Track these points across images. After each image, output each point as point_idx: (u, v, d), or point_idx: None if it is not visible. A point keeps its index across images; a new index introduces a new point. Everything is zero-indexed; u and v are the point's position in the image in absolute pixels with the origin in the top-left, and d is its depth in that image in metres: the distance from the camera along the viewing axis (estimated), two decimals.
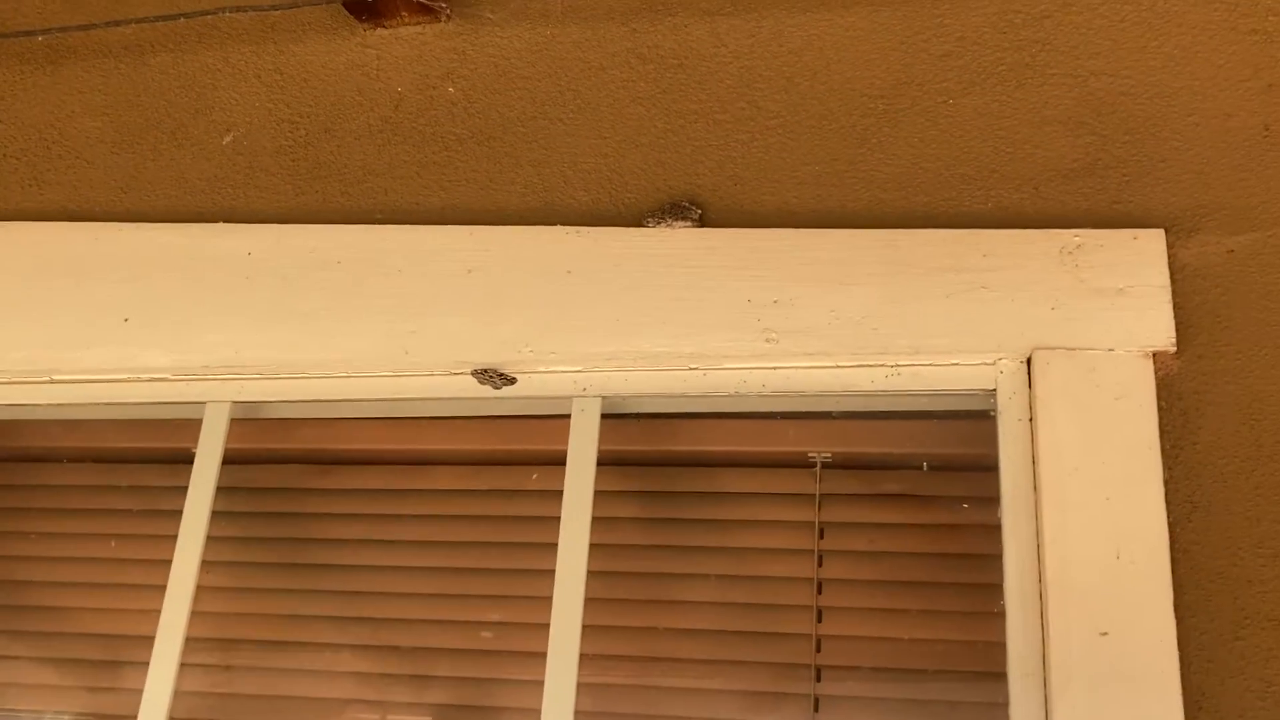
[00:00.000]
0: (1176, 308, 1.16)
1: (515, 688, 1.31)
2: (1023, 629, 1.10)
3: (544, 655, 1.20)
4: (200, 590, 1.33)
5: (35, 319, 1.41)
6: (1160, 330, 1.14)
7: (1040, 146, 1.26)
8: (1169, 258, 1.18)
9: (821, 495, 1.33)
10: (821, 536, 1.31)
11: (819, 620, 1.28)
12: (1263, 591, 1.06)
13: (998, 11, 1.31)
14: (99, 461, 1.50)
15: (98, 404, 1.43)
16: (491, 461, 1.38)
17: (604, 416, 1.30)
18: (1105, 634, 1.05)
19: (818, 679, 1.26)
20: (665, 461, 1.36)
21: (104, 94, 1.54)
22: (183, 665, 1.30)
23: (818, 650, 1.27)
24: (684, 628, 1.30)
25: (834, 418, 1.33)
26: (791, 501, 1.33)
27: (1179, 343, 1.14)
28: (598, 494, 1.27)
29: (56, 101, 1.56)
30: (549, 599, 1.23)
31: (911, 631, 1.25)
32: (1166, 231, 1.19)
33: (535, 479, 1.35)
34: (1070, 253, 1.19)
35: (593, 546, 1.25)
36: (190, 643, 1.31)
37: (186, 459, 1.38)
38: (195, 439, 1.38)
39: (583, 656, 1.21)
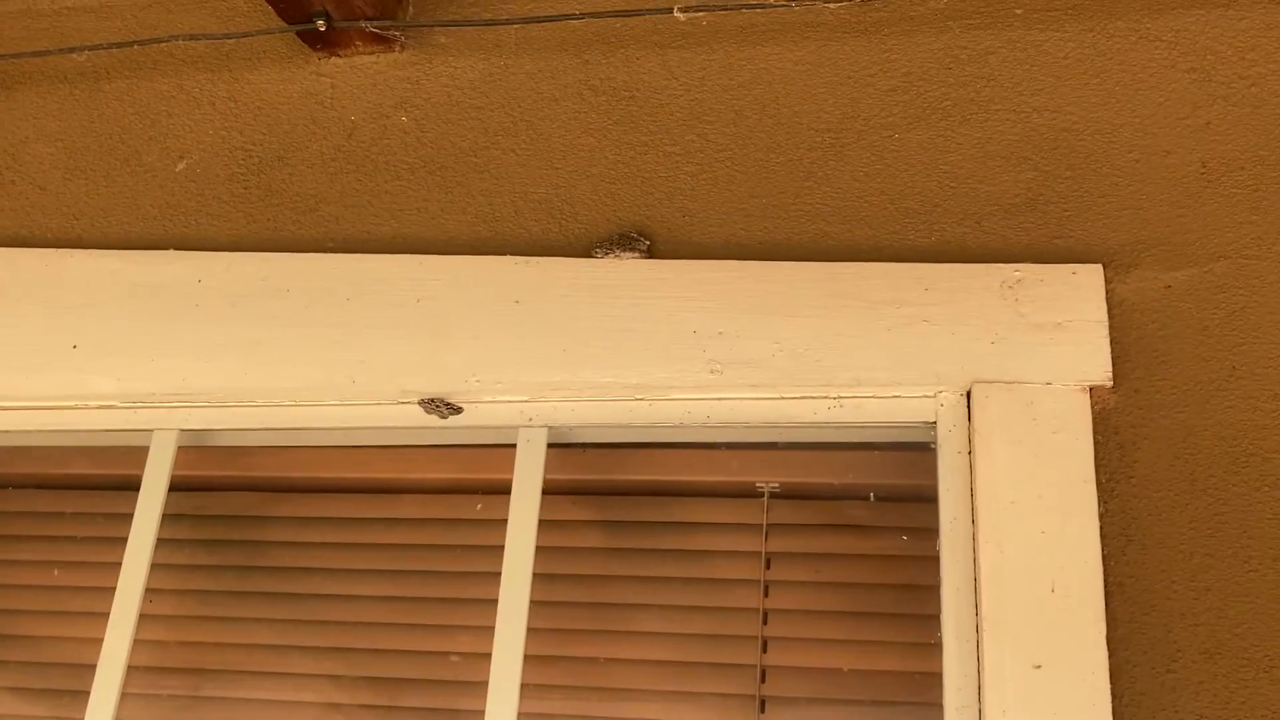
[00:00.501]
0: (1114, 342, 1.17)
1: (459, 717, 1.30)
2: (959, 661, 1.10)
3: (486, 684, 1.20)
4: (144, 618, 1.32)
5: None
6: (1097, 365, 1.15)
7: (983, 181, 1.27)
8: (1107, 293, 1.19)
9: (769, 525, 1.33)
10: (768, 567, 1.31)
11: (764, 650, 1.28)
12: (1195, 625, 1.07)
13: (944, 48, 1.33)
14: (44, 488, 1.49)
15: (45, 430, 1.42)
16: (438, 490, 1.38)
17: (551, 446, 1.30)
18: (1039, 666, 1.06)
19: (762, 710, 1.26)
20: (613, 491, 1.37)
21: (58, 120, 1.55)
22: (125, 694, 1.29)
23: (762, 681, 1.27)
24: (629, 658, 1.30)
25: (780, 448, 1.34)
26: (739, 531, 1.34)
27: (1116, 377, 1.16)
28: (545, 523, 1.27)
29: (10, 127, 1.56)
30: (493, 628, 1.22)
31: (854, 662, 1.25)
32: (1105, 267, 1.20)
33: (480, 508, 1.35)
34: (1011, 287, 1.20)
35: (538, 576, 1.25)
36: (133, 671, 1.30)
37: (134, 486, 1.38)
38: (142, 465, 1.37)
39: (525, 686, 1.20)
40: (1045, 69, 1.30)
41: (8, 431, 1.42)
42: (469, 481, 1.37)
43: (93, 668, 1.29)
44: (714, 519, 1.34)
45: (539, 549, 1.26)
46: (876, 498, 1.32)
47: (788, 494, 1.34)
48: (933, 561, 1.18)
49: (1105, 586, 1.08)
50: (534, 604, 1.24)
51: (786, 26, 1.37)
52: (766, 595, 1.30)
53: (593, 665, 1.29)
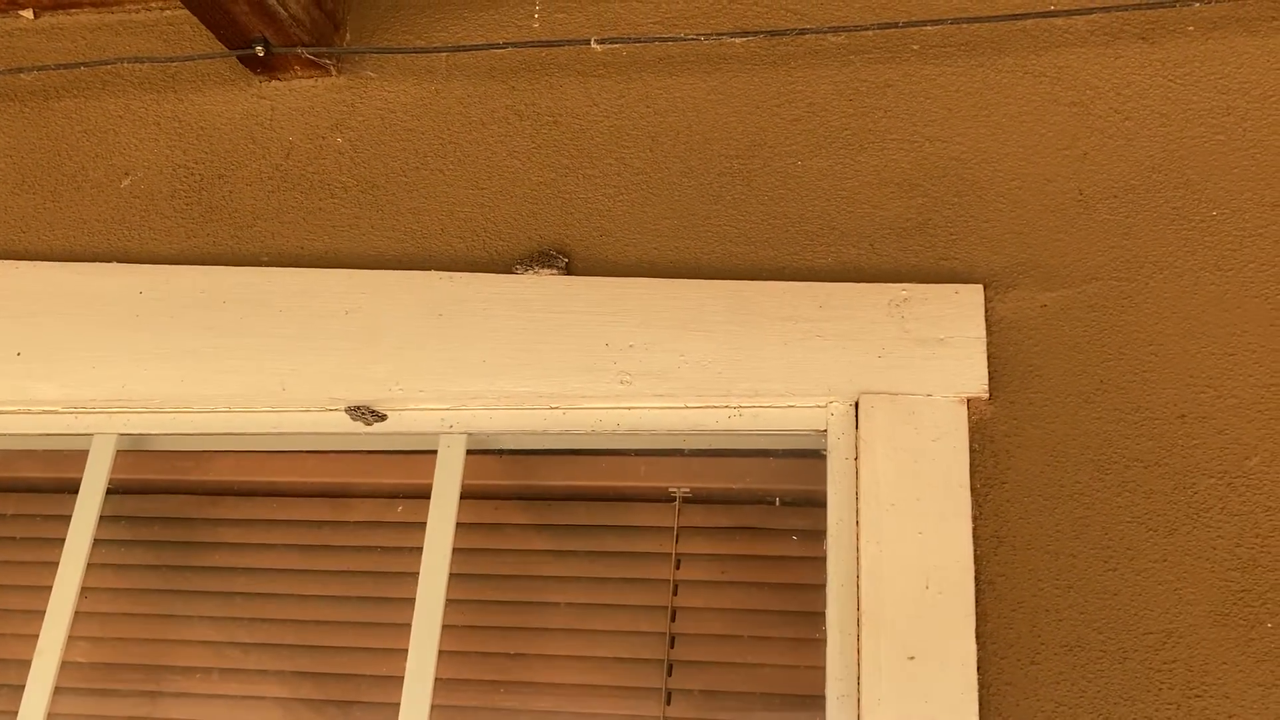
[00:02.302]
0: (991, 357, 1.26)
1: (374, 710, 1.37)
2: (840, 653, 1.18)
3: (401, 679, 1.27)
4: (81, 615, 1.38)
5: None
6: (975, 378, 1.24)
7: (878, 206, 1.36)
8: (987, 311, 1.28)
9: (680, 528, 1.41)
10: (678, 567, 1.39)
11: (671, 646, 1.35)
12: (1058, 620, 1.15)
13: (845, 80, 1.42)
14: None
15: None
16: (364, 494, 1.45)
17: (470, 452, 1.37)
18: (913, 658, 1.14)
19: (668, 701, 1.33)
20: (531, 495, 1.44)
21: (7, 136, 1.61)
22: (59, 689, 1.35)
23: (669, 675, 1.34)
24: (542, 653, 1.37)
25: (691, 455, 1.41)
26: (652, 534, 1.41)
27: (992, 390, 1.24)
28: (464, 526, 1.35)
29: None
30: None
31: (754, 657, 1.32)
32: (986, 287, 1.29)
33: (400, 511, 1.42)
34: (898, 305, 1.28)
35: (458, 576, 1.32)
36: (67, 666, 1.36)
37: (73, 488, 1.44)
38: (82, 468, 1.44)
39: (440, 680, 1.27)
40: (938, 101, 1.39)
41: None
42: (393, 486, 1.44)
43: (28, 663, 1.36)
44: (628, 522, 1.42)
45: (460, 550, 1.34)
46: (782, 502, 1.40)
47: (699, 499, 1.41)
48: (823, 561, 1.26)
49: (976, 584, 1.17)
50: (452, 602, 1.31)
51: (700, 58, 1.46)
52: (676, 594, 1.38)
53: (506, 660, 1.36)
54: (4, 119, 1.62)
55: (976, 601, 1.16)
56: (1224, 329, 1.23)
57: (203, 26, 1.54)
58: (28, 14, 1.65)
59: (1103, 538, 1.18)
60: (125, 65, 1.59)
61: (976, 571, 1.17)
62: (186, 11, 1.57)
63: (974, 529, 1.19)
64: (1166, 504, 1.18)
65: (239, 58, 1.50)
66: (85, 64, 1.56)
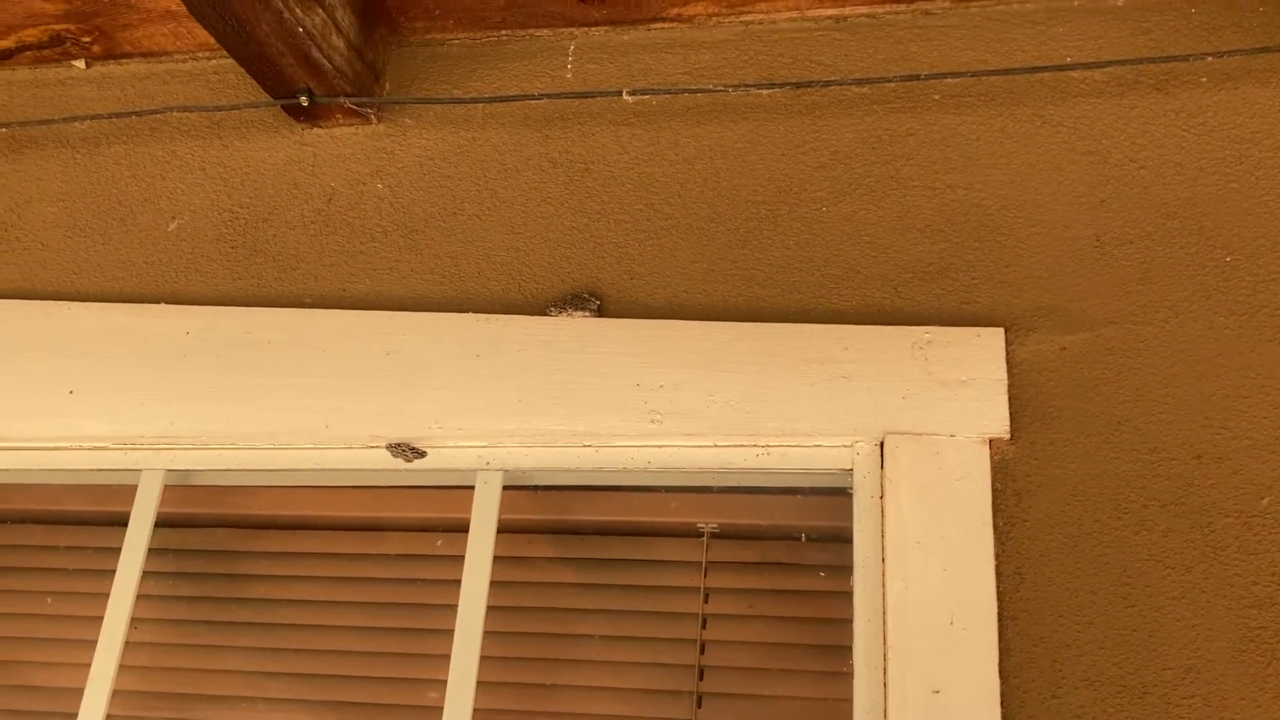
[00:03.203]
0: (1012, 399, 1.30)
1: None
2: (867, 687, 1.22)
3: (440, 710, 1.31)
4: (130, 645, 1.43)
5: None
6: (997, 419, 1.28)
7: (901, 250, 1.40)
8: (1008, 353, 1.32)
9: (708, 563, 1.45)
10: (706, 601, 1.43)
11: (700, 679, 1.39)
12: (1079, 655, 1.19)
13: (868, 129, 1.47)
14: (39, 523, 1.60)
15: (42, 470, 1.54)
16: (403, 528, 1.50)
17: (506, 488, 1.42)
18: (938, 692, 1.17)
19: None
20: (564, 530, 1.48)
21: (61, 182, 1.68)
22: (109, 717, 1.39)
23: (699, 707, 1.38)
24: (576, 684, 1.41)
25: (719, 491, 1.46)
26: (681, 569, 1.45)
27: (1013, 430, 1.28)
28: (500, 559, 1.39)
29: (16, 188, 1.68)
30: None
31: (782, 690, 1.36)
32: (1006, 330, 1.33)
33: (440, 545, 1.46)
34: (921, 347, 1.33)
35: (493, 608, 1.37)
36: (118, 695, 1.41)
37: (122, 521, 1.49)
38: (131, 502, 1.49)
39: (478, 711, 1.31)
40: (959, 149, 1.43)
41: (7, 470, 1.54)
42: (432, 520, 1.49)
43: (81, 692, 1.40)
44: (658, 556, 1.46)
45: (495, 583, 1.38)
46: (808, 538, 1.44)
47: (726, 534, 1.45)
48: (849, 597, 1.30)
49: (999, 620, 1.20)
50: (488, 634, 1.36)
51: (727, 108, 1.51)
52: (704, 627, 1.42)
53: (540, 691, 1.40)
54: (58, 165, 1.69)
55: (999, 637, 1.20)
56: (1238, 372, 1.27)
57: (247, 75, 1.61)
58: (80, 64, 1.72)
59: (1122, 575, 1.21)
60: (172, 114, 1.65)
61: (999, 607, 1.21)
62: (231, 60, 1.64)
63: (997, 566, 1.23)
64: (1184, 542, 1.21)
65: (283, 107, 1.56)
66: (135, 113, 1.63)
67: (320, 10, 1.42)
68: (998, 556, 1.23)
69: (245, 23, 1.38)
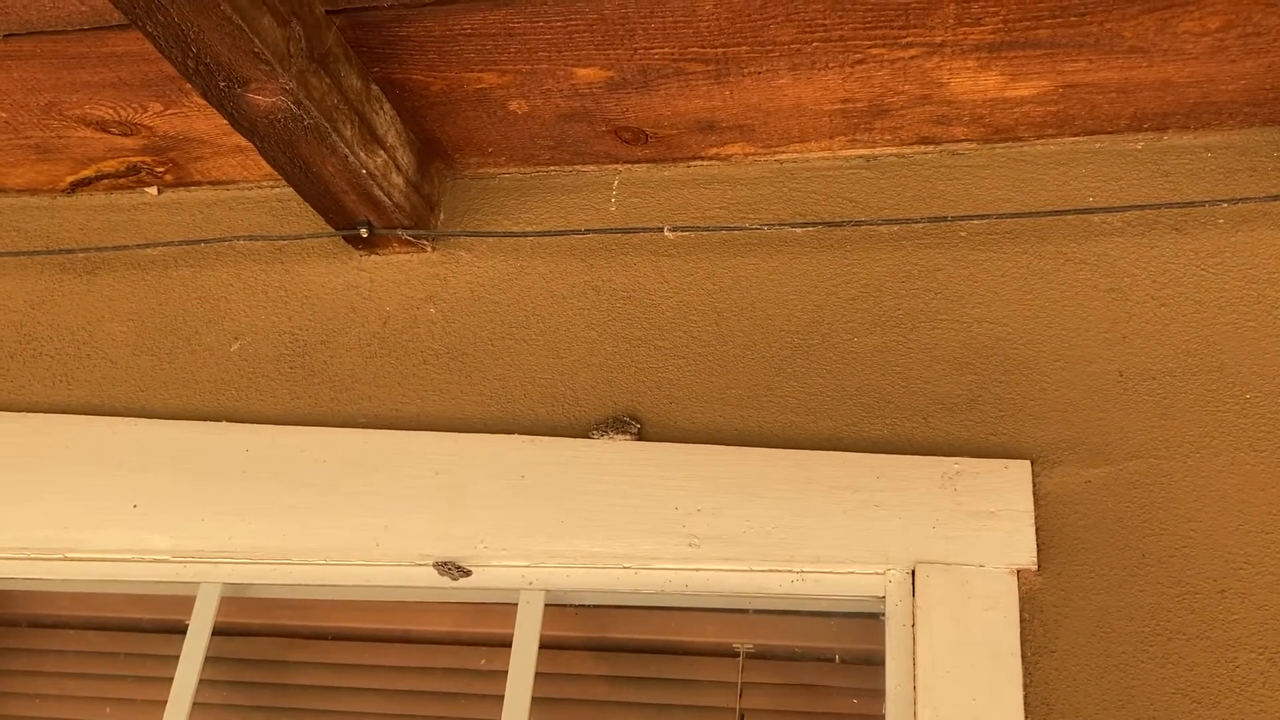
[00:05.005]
0: (1039, 530, 1.34)
1: None
2: None
3: None
4: None
5: (57, 502, 1.60)
6: (1024, 550, 1.32)
7: (930, 382, 1.46)
8: (1034, 485, 1.37)
9: (743, 684, 1.49)
10: None
11: None
12: None
13: (898, 263, 1.54)
14: (100, 630, 1.67)
15: (105, 580, 1.61)
16: (449, 642, 1.55)
17: (548, 606, 1.47)
18: None
19: None
20: (603, 648, 1.53)
21: (131, 302, 1.77)
22: None
23: None
24: None
25: (754, 614, 1.50)
26: (716, 688, 1.49)
27: (1040, 561, 1.32)
28: (540, 675, 1.44)
29: (89, 307, 1.78)
30: None
31: None
32: (1033, 462, 1.38)
33: (484, 663, 1.51)
34: (950, 478, 1.38)
35: None
36: None
37: (179, 630, 1.55)
38: (188, 612, 1.55)
39: None
40: (985, 285, 1.50)
41: (73, 580, 1.61)
42: (475, 635, 1.54)
43: None
44: (694, 676, 1.50)
45: (536, 699, 1.42)
46: (842, 660, 1.48)
47: (761, 654, 1.49)
48: None
49: None
50: None
51: (762, 242, 1.59)
52: None
53: None
54: (128, 286, 1.78)
55: None
56: (1260, 508, 1.31)
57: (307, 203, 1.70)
58: (152, 191, 1.83)
59: (1147, 708, 1.24)
60: (237, 241, 1.75)
61: None
62: (293, 189, 1.74)
63: (1024, 696, 1.26)
64: (1208, 677, 1.24)
65: (344, 237, 1.66)
66: (204, 241, 1.73)
67: (382, 152, 1.52)
68: (1025, 686, 1.27)
69: (312, 165, 1.47)
